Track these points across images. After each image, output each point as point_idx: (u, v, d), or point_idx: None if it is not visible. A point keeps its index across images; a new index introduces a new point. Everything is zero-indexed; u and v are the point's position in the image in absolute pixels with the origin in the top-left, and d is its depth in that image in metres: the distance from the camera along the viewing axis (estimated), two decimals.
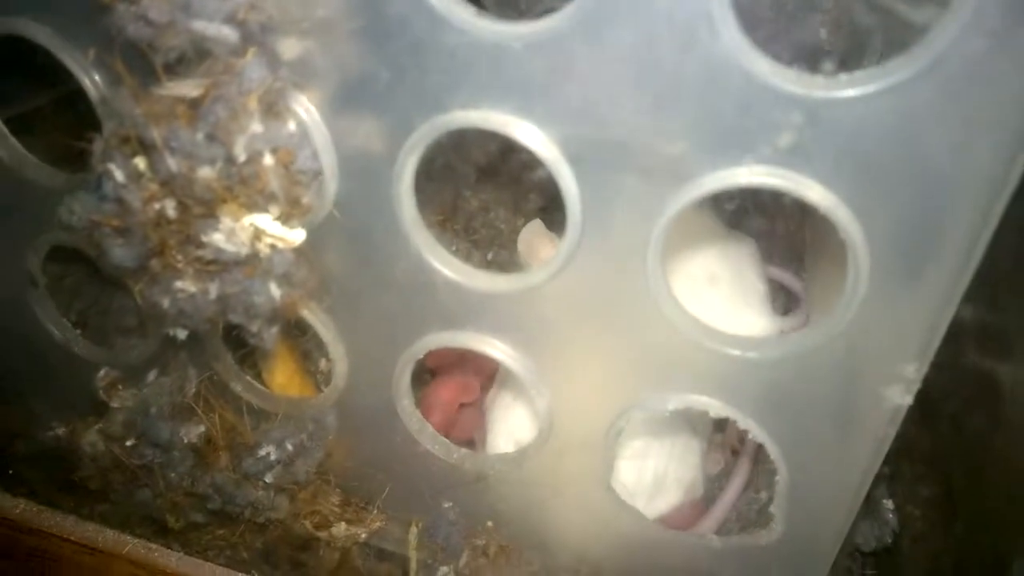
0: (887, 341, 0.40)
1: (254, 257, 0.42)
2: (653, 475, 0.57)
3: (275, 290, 0.43)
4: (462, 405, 0.65)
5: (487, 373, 0.65)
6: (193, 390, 0.56)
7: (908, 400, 0.41)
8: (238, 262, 0.42)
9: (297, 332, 0.61)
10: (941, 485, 0.62)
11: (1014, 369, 0.53)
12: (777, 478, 0.47)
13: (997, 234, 0.35)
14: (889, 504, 0.64)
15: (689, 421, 0.60)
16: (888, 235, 0.37)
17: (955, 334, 0.59)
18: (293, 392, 0.59)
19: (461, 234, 0.66)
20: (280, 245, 0.43)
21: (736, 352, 0.43)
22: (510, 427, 0.58)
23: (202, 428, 0.55)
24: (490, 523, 0.56)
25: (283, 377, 0.59)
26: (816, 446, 0.45)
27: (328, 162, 0.44)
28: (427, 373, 0.68)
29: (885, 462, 0.67)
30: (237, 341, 0.57)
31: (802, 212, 0.81)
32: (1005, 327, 0.55)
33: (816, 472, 0.46)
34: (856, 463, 0.45)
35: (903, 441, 0.66)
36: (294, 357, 0.61)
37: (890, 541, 0.63)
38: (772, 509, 0.48)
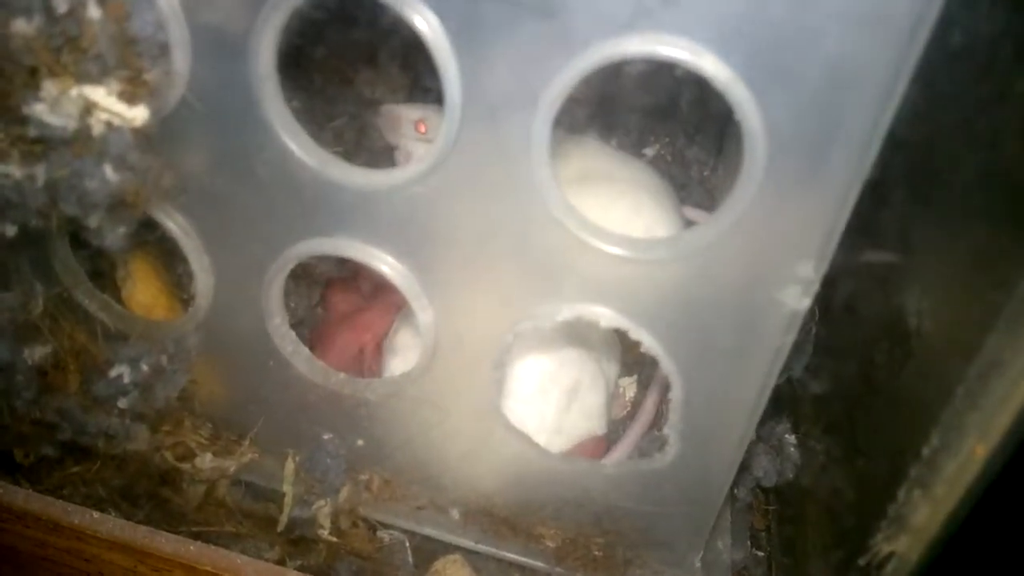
0: (784, 238, 0.37)
1: (85, 134, 0.37)
2: (556, 411, 0.53)
3: (111, 174, 0.38)
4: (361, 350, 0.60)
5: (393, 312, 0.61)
6: (39, 308, 0.50)
7: (805, 304, 0.39)
8: (66, 140, 0.37)
9: (163, 251, 0.56)
10: (841, 420, 0.61)
11: (918, 303, 0.52)
12: (671, 395, 0.44)
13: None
14: (791, 439, 0.62)
15: (595, 357, 0.57)
16: (786, 118, 0.34)
17: (859, 271, 0.58)
18: (158, 315, 0.54)
19: (334, 133, 0.61)
20: (116, 122, 0.38)
21: (627, 253, 0.40)
22: (403, 356, 0.54)
23: (49, 349, 0.49)
24: (372, 454, 0.52)
25: (145, 297, 0.53)
26: (711, 357, 0.42)
27: (178, 34, 0.39)
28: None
29: (788, 398, 0.67)
30: (92, 257, 0.52)
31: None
32: (909, 263, 0.53)
33: (711, 386, 0.43)
34: (752, 376, 0.42)
35: (807, 376, 0.65)
36: (159, 276, 0.55)
37: (792, 476, 0.61)
38: (666, 430, 0.46)
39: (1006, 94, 0.31)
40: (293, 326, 0.51)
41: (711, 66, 0.33)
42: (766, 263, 0.38)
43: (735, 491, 0.61)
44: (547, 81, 0.35)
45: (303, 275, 0.71)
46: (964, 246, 0.36)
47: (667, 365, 0.43)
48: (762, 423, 0.64)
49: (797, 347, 0.65)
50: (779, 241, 0.37)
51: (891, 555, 0.37)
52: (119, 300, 0.53)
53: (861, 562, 0.38)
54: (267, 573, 0.49)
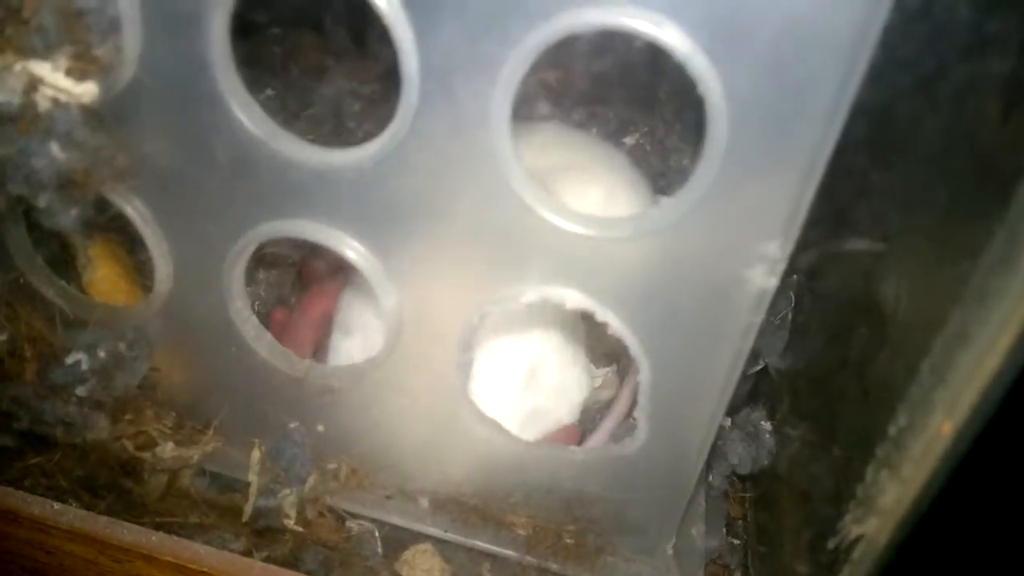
0: (749, 215, 0.36)
1: (30, 111, 0.36)
2: (518, 390, 0.53)
3: (58, 152, 0.37)
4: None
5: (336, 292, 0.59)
6: None
7: (772, 283, 0.38)
8: (10, 116, 0.36)
9: (125, 237, 0.55)
10: (819, 406, 0.60)
11: (891, 281, 0.51)
12: (639, 378, 0.43)
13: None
14: (767, 426, 0.62)
15: (559, 336, 0.56)
16: (748, 90, 0.33)
17: (833, 254, 0.57)
18: (119, 302, 0.52)
19: (291, 110, 0.59)
20: (63, 99, 0.36)
21: (591, 232, 0.39)
22: (362, 338, 0.53)
23: (4, 336, 0.48)
24: (339, 442, 0.51)
25: (106, 284, 0.52)
26: (679, 338, 0.41)
27: (127, 8, 0.37)
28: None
29: (765, 385, 0.66)
30: (51, 242, 0.51)
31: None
32: (878, 237, 0.52)
33: (680, 368, 0.42)
34: (721, 357, 0.41)
35: (782, 362, 0.64)
36: (121, 262, 0.54)
37: (767, 463, 0.61)
38: (635, 414, 0.45)
39: (966, 53, 0.31)
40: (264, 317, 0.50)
41: (672, 37, 0.32)
42: (732, 241, 0.37)
43: (710, 479, 0.61)
44: (505, 53, 0.34)
45: (274, 263, 0.70)
46: (928, 215, 0.35)
47: (634, 347, 0.42)
48: (737, 410, 0.64)
49: (773, 333, 0.65)
50: (744, 219, 0.36)
51: (860, 538, 0.36)
52: (79, 287, 0.52)
53: (830, 545, 0.38)
54: (231, 564, 0.48)
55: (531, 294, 0.42)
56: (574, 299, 0.41)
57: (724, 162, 0.35)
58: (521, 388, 0.52)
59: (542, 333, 0.53)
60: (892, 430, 0.33)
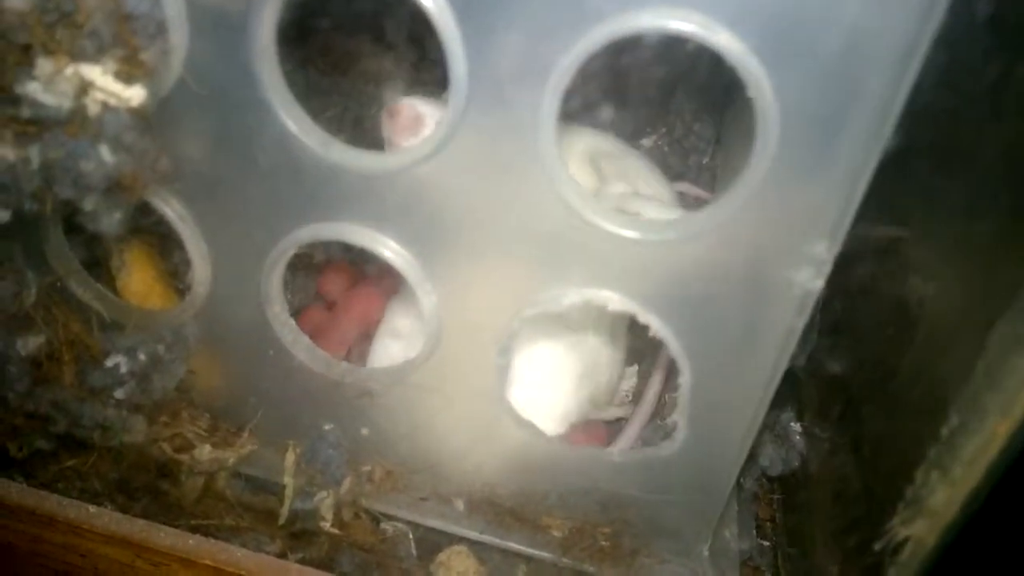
0: (796, 216, 0.36)
1: (80, 114, 0.36)
2: (565, 397, 0.53)
3: (107, 156, 0.37)
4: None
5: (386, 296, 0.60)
6: (32, 298, 0.48)
7: (818, 284, 0.38)
8: (60, 120, 0.36)
9: (159, 239, 0.55)
10: (848, 407, 0.60)
11: (928, 283, 0.51)
12: (680, 380, 0.43)
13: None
14: (796, 427, 0.62)
15: (603, 341, 0.56)
16: (800, 93, 0.33)
17: (862, 254, 0.57)
18: (153, 304, 0.52)
19: (335, 113, 0.59)
20: (113, 102, 0.37)
21: (637, 235, 0.39)
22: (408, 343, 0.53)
23: (42, 339, 0.48)
24: (375, 444, 0.51)
25: (140, 286, 0.52)
26: (721, 340, 0.41)
27: (174, 12, 0.38)
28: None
29: (792, 386, 0.66)
30: (86, 245, 0.51)
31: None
32: (922, 240, 0.52)
33: (721, 371, 0.42)
34: (763, 360, 0.41)
35: (812, 364, 0.64)
36: (155, 265, 0.54)
37: (797, 464, 0.61)
38: (675, 416, 0.45)
39: None
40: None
41: (724, 40, 0.32)
42: (778, 243, 0.37)
43: (741, 481, 0.61)
44: (557, 55, 0.34)
45: (300, 265, 0.70)
46: (985, 220, 0.35)
47: (676, 349, 0.42)
48: (767, 412, 0.64)
49: (801, 338, 0.65)
50: (791, 220, 0.36)
51: (907, 539, 0.36)
52: (114, 289, 0.52)
53: (876, 547, 0.38)
54: (268, 566, 0.48)
55: (572, 296, 0.42)
56: (615, 301, 0.41)
57: (772, 164, 0.35)
58: (568, 394, 0.52)
59: (590, 337, 0.54)
60: (944, 431, 0.33)
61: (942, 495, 0.34)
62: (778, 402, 0.64)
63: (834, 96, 0.33)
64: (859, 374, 0.59)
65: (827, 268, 0.38)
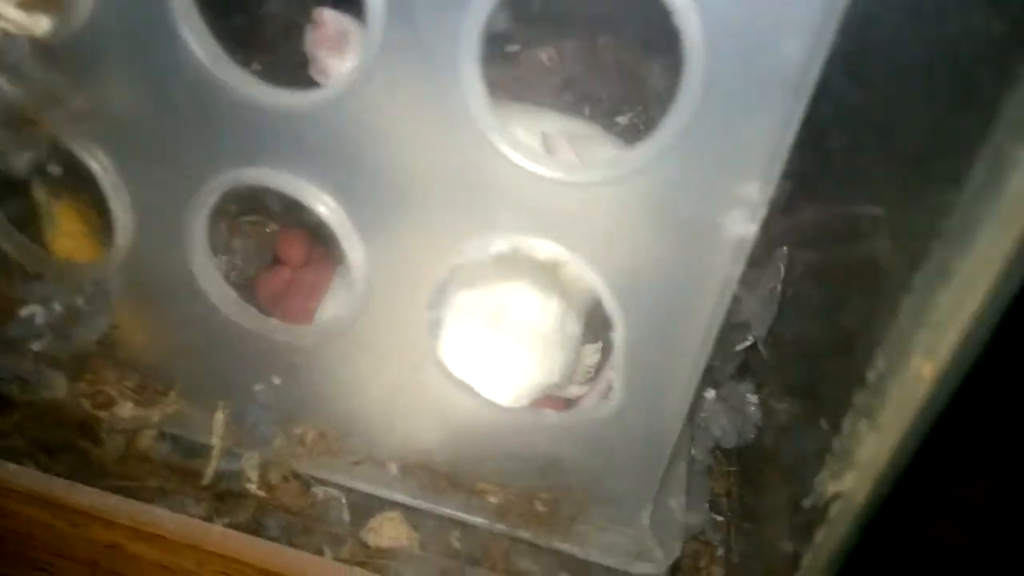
0: (726, 156, 0.35)
1: None
2: (482, 334, 0.51)
3: (6, 86, 0.35)
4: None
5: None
6: None
7: (752, 229, 0.36)
8: None
9: (92, 194, 0.53)
10: (807, 378, 0.59)
11: (866, 234, 0.50)
12: (613, 335, 0.42)
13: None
14: (753, 399, 0.60)
15: (543, 292, 0.54)
16: (728, 24, 0.32)
17: (824, 223, 0.55)
18: (82, 258, 0.51)
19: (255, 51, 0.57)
20: (12, 30, 0.35)
21: (563, 176, 0.37)
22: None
23: None
24: (307, 406, 0.49)
25: (69, 240, 0.50)
26: (655, 290, 0.40)
27: None
28: None
29: (753, 358, 0.64)
30: (13, 195, 0.49)
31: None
32: (852, 194, 0.51)
33: (655, 325, 0.41)
34: (699, 313, 0.40)
35: (772, 335, 0.63)
36: (86, 221, 0.52)
37: (752, 436, 0.59)
38: (610, 375, 0.43)
39: None
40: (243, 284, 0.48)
41: None
42: (708, 184, 0.36)
43: (693, 452, 0.59)
44: None
45: (255, 232, 0.69)
46: (909, 141, 0.33)
47: (608, 301, 0.40)
48: (724, 383, 0.63)
49: (762, 305, 0.64)
50: (721, 159, 0.35)
51: (837, 495, 0.34)
52: (44, 245, 0.50)
53: (806, 504, 0.36)
54: (189, 528, 0.46)
55: (501, 244, 0.40)
56: (546, 249, 0.40)
57: (700, 100, 0.33)
58: (486, 331, 0.50)
59: (511, 282, 0.51)
60: (871, 376, 0.31)
61: (870, 445, 0.32)
62: (737, 374, 0.64)
63: (763, 27, 0.31)
64: (814, 343, 0.57)
65: (760, 212, 0.36)
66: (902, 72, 0.34)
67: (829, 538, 0.35)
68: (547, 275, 0.51)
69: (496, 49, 0.73)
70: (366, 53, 0.36)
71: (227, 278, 0.64)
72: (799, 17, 0.31)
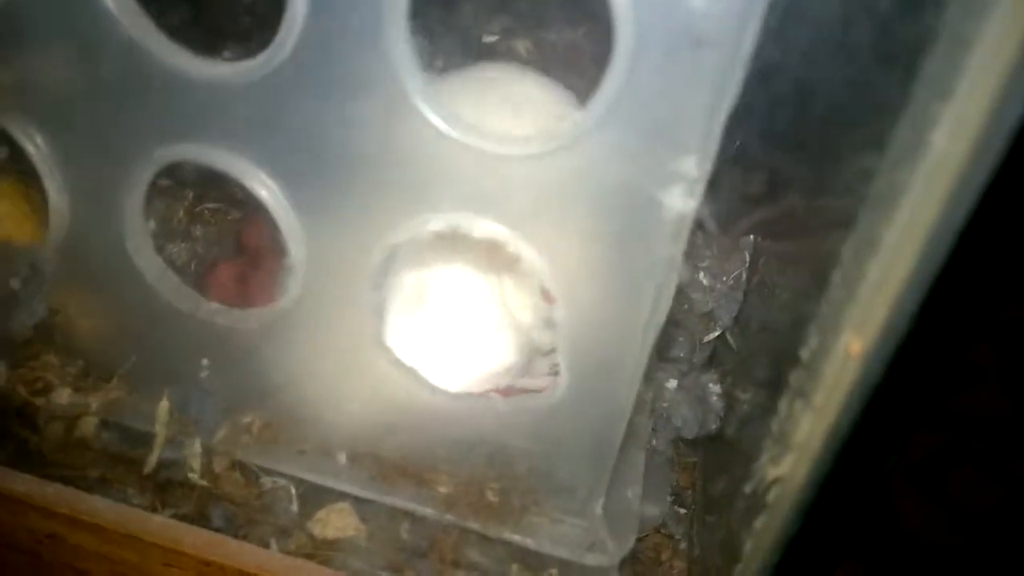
0: (661, 129, 0.34)
1: None
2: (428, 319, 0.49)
3: None
4: None
5: None
6: None
7: (691, 205, 0.35)
8: None
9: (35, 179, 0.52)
10: (769, 366, 0.57)
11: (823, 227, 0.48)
12: (555, 316, 0.40)
13: None
14: (716, 388, 0.59)
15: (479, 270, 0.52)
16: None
17: (786, 211, 0.54)
18: (22, 240, 0.50)
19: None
20: None
21: (496, 148, 0.36)
22: None
23: None
24: (253, 393, 0.48)
25: (10, 222, 0.49)
26: (596, 272, 0.39)
27: None
28: None
29: (717, 348, 0.63)
30: None
31: None
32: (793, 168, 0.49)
33: (598, 306, 0.39)
34: (642, 293, 0.38)
35: (738, 324, 0.62)
36: (28, 202, 0.51)
37: (714, 427, 0.58)
38: (556, 358, 0.42)
39: None
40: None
41: None
42: (644, 158, 0.34)
43: (654, 443, 0.58)
44: None
45: (216, 220, 0.68)
46: (836, 106, 0.32)
47: (550, 282, 0.39)
48: (687, 373, 0.61)
49: (727, 295, 0.63)
50: (656, 133, 0.34)
51: (776, 480, 0.33)
52: None
53: (747, 489, 0.35)
54: (128, 516, 0.45)
55: (438, 222, 0.39)
56: (483, 227, 0.38)
57: (632, 68, 0.32)
58: (430, 313, 0.48)
59: (454, 263, 0.50)
60: (804, 354, 0.30)
61: (805, 426, 0.31)
62: (701, 364, 0.62)
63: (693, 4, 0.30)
64: (778, 333, 0.56)
65: (699, 187, 0.35)
66: (824, 37, 0.33)
67: (769, 525, 0.34)
68: (492, 255, 0.49)
69: (472, 39, 0.72)
70: (289, 23, 0.35)
71: (187, 266, 0.64)
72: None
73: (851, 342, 0.28)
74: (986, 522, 0.83)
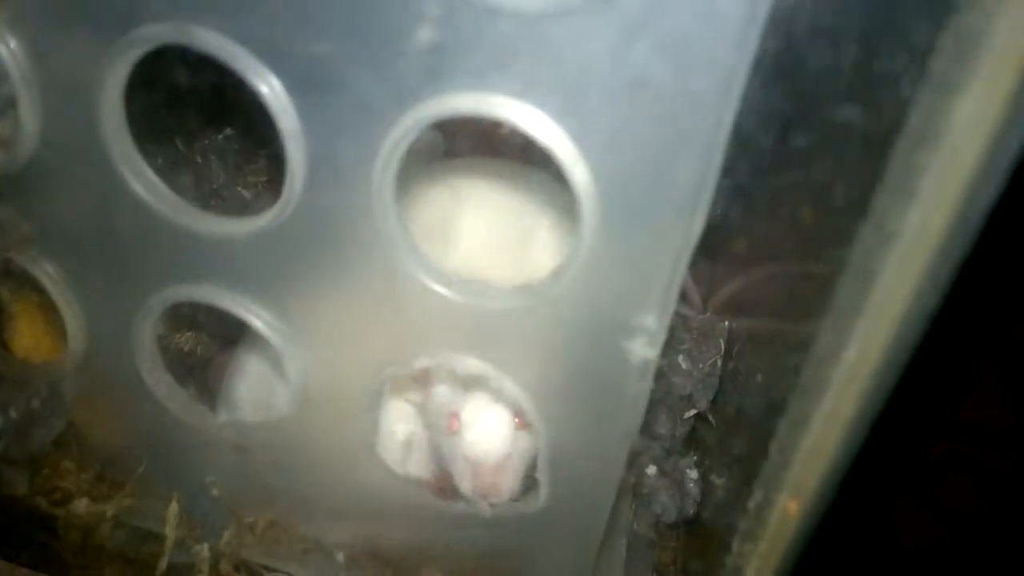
0: (623, 292, 0.37)
1: None
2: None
3: None
4: None
5: None
6: None
7: (653, 353, 0.39)
8: None
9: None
10: (743, 451, 0.61)
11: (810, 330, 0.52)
12: (538, 440, 0.44)
13: None
14: (693, 474, 0.62)
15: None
16: (616, 176, 0.34)
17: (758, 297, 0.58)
18: (40, 359, 0.53)
19: (192, 179, 0.60)
20: None
21: (476, 302, 0.39)
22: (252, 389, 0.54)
23: None
24: (257, 497, 0.52)
25: (28, 340, 0.53)
26: (572, 404, 0.42)
27: (23, 85, 0.39)
28: None
29: (695, 433, 0.66)
30: None
31: None
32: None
33: (575, 434, 0.43)
34: (614, 422, 0.42)
35: (715, 409, 0.65)
36: (45, 319, 0.54)
37: (692, 511, 0.61)
38: (537, 475, 0.46)
39: None
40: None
41: (545, 130, 0.33)
42: (610, 315, 0.38)
43: (635, 527, 0.61)
44: (381, 137, 0.35)
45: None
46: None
47: (531, 412, 0.43)
48: (666, 457, 0.65)
49: (703, 380, 0.66)
50: (618, 296, 0.37)
51: (754, 556, 0.36)
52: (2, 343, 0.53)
53: (727, 563, 0.38)
54: None
55: (425, 359, 0.43)
56: (469, 365, 0.42)
57: (594, 245, 0.35)
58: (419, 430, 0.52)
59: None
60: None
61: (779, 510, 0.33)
62: (683, 447, 0.65)
63: (649, 183, 0.34)
64: (753, 419, 0.60)
65: (660, 338, 0.38)
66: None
67: None
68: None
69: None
70: (288, 193, 0.38)
71: (191, 354, 0.67)
72: (676, 185, 0.33)
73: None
74: (986, 534, 0.81)
